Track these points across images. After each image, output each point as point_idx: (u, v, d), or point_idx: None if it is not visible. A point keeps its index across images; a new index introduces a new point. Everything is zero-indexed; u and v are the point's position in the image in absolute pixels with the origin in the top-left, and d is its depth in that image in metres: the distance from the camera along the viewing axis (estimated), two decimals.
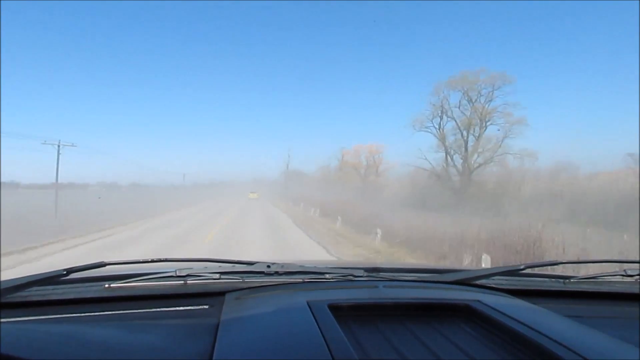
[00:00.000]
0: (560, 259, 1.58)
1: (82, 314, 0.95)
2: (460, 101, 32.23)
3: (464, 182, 30.56)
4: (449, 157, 32.63)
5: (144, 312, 0.97)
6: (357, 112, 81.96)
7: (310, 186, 52.94)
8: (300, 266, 1.25)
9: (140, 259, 1.21)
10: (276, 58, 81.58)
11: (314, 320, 0.81)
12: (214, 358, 0.68)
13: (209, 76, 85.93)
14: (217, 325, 0.83)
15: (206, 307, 1.00)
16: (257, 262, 1.23)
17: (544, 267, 1.55)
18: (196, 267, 1.18)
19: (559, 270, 1.58)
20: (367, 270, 1.27)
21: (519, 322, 0.84)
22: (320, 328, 0.77)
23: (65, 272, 1.05)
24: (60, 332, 0.76)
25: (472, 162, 31.02)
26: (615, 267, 1.46)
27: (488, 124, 31.06)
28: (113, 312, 0.96)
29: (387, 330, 0.85)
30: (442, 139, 32.96)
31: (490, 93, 31.17)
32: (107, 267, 1.13)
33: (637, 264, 1.30)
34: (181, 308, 1.00)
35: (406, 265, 2.07)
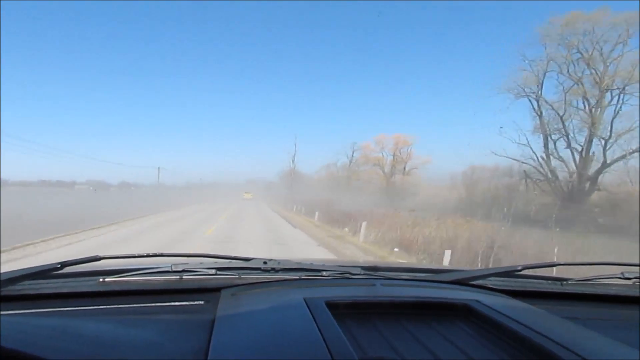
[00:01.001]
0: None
1: (76, 308, 0.94)
2: (589, 60, 19.26)
3: (584, 183, 19.41)
4: (551, 145, 21.18)
5: (138, 307, 0.97)
6: (367, 101, 70.72)
7: (316, 188, 41.48)
8: (297, 263, 1.26)
9: (136, 253, 1.21)
10: (273, 42, 70.15)
11: (311, 317, 0.81)
12: (209, 354, 0.67)
13: (205, 74, 77.76)
14: (213, 321, 0.82)
15: (202, 302, 1.00)
16: (254, 259, 1.23)
17: (542, 269, 1.51)
18: (192, 262, 1.19)
19: (556, 273, 1.49)
20: (364, 268, 1.28)
21: (517, 322, 0.84)
22: (318, 325, 0.77)
23: (59, 266, 1.05)
24: (53, 326, 0.75)
25: (604, 151, 19.15)
26: (614, 270, 1.36)
27: (619, 94, 19.69)
28: (107, 307, 0.95)
29: (384, 329, 0.84)
30: (564, 109, 20.07)
31: (623, 44, 18.89)
32: (102, 261, 1.13)
33: (636, 267, 1.30)
34: (176, 303, 0.99)
35: (404, 265, 2.04)
